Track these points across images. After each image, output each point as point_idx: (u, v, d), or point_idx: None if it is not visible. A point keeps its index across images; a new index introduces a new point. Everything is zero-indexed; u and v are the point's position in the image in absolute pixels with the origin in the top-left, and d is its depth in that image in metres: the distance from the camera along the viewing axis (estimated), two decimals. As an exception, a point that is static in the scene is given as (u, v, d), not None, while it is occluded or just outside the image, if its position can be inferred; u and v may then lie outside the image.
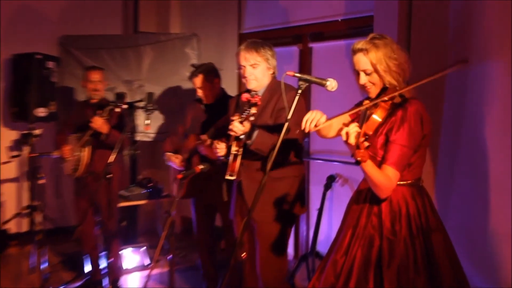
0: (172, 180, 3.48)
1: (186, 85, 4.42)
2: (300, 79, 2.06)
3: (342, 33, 3.80)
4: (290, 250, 4.12)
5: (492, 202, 2.50)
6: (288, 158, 2.66)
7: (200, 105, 3.39)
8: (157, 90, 4.48)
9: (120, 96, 3.70)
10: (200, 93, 3.34)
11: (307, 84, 2.05)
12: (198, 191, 3.40)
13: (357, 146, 1.74)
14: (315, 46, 4.04)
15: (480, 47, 2.63)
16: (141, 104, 3.96)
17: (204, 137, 3.16)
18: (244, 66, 2.71)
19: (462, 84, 2.79)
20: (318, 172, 3.99)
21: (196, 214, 3.47)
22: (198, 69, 3.40)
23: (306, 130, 2.00)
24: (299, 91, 2.04)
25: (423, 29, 2.97)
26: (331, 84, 2.06)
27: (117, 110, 3.37)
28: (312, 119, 2.00)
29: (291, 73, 2.04)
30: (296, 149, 2.71)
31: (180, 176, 2.69)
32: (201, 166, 2.76)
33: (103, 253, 3.58)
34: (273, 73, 2.78)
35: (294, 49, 4.15)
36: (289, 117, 2.04)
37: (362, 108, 1.99)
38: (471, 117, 2.72)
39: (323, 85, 2.05)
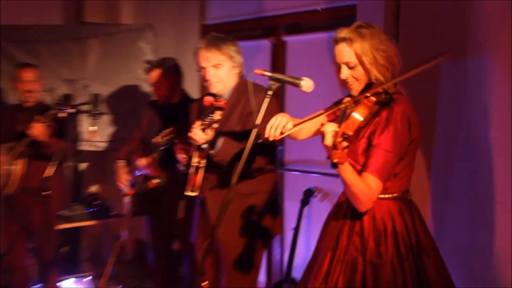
0: (122, 197, 3.43)
1: (140, 85, 4.37)
2: (270, 78, 2.07)
3: (321, 25, 3.80)
4: (262, 277, 4.09)
5: (495, 219, 2.52)
6: (259, 170, 2.67)
7: (157, 107, 3.37)
8: (105, 91, 4.42)
9: (64, 98, 3.64)
10: (155, 91, 3.32)
11: (279, 84, 2.06)
12: (153, 208, 3.38)
13: (334, 146, 1.76)
14: (290, 39, 4.05)
15: (478, 40, 2.66)
16: (86, 107, 3.90)
17: (146, 160, 3.16)
18: (205, 68, 2.71)
19: (457, 82, 2.82)
20: (294, 186, 3.99)
21: (151, 236, 3.44)
22: (157, 62, 3.39)
23: (271, 138, 2.02)
24: (269, 93, 2.04)
25: (413, 20, 3.01)
26: (307, 84, 2.07)
27: (62, 115, 3.31)
28: (277, 126, 2.03)
29: (259, 71, 2.04)
30: (269, 159, 2.71)
31: (131, 192, 2.66)
32: (156, 180, 2.73)
33: (38, 286, 3.49)
34: (240, 72, 2.78)
35: (266, 43, 4.16)
36: (257, 122, 2.04)
37: (341, 106, 2.01)
38: (469, 120, 2.75)
39: (297, 85, 2.07)
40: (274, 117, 2.05)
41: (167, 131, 2.96)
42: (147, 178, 3.18)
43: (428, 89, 2.96)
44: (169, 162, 3.09)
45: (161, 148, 3.07)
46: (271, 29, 4.11)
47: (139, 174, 3.26)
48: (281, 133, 2.01)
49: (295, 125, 2.03)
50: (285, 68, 4.07)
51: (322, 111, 2.11)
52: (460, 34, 2.78)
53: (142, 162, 3.22)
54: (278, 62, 4.08)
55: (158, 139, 3.00)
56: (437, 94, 2.96)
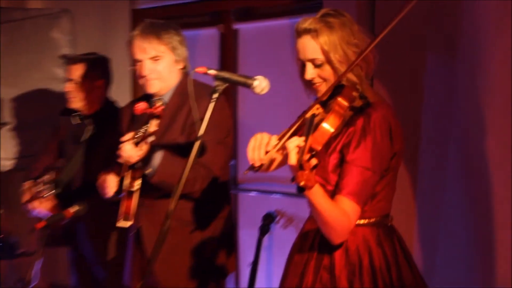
0: (31, 231, 3.38)
1: (55, 85, 4.31)
2: (215, 78, 2.07)
3: (281, 10, 3.83)
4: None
5: (498, 251, 2.55)
6: (207, 192, 2.68)
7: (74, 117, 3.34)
8: (9, 94, 4.34)
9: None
10: (69, 88, 3.29)
11: (227, 84, 2.07)
12: (72, 245, 3.35)
13: (300, 166, 1.77)
14: (243, 27, 4.07)
15: (473, 28, 2.72)
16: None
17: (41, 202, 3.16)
18: (141, 61, 2.71)
19: (447, 77, 2.89)
20: (250, 210, 4.01)
21: (74, 277, 3.41)
22: (76, 57, 3.39)
23: (257, 164, 2.00)
24: (214, 96, 2.05)
25: (392, 5, 3.07)
26: (261, 84, 2.08)
27: None
28: (259, 145, 1.99)
29: (202, 69, 2.04)
30: (219, 178, 2.73)
31: (41, 224, 2.62)
32: (74, 208, 2.71)
33: None
34: (184, 67, 2.79)
35: (213, 32, 4.18)
36: (201, 133, 2.04)
37: (307, 114, 2.02)
38: (463, 125, 2.81)
39: (248, 86, 2.08)
40: (253, 138, 2.03)
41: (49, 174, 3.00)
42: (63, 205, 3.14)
43: (411, 91, 3.03)
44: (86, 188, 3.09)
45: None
46: (219, 15, 4.11)
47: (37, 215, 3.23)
48: (266, 152, 1.99)
49: (280, 138, 2.01)
50: (237, 64, 4.09)
51: (294, 126, 2.08)
52: (449, 30, 2.86)
53: (37, 203, 3.21)
54: (227, 56, 4.09)
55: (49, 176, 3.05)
56: (422, 97, 3.02)
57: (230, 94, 3.98)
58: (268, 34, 3.96)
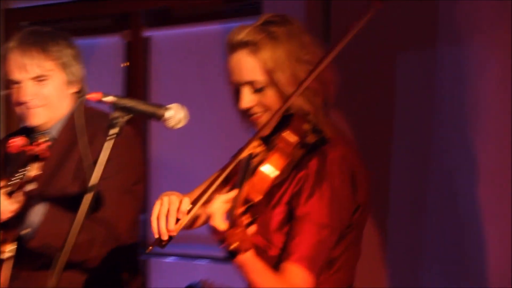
0: None
1: None
2: (115, 106, 2.06)
3: (207, 12, 3.91)
4: None
5: None
6: (108, 259, 2.66)
7: None
8: None
9: None
10: None
11: (130, 116, 2.06)
12: None
13: (232, 223, 1.77)
14: (156, 34, 4.14)
15: (458, 25, 2.89)
16: None
17: None
18: (19, 82, 2.69)
19: (426, 85, 3.04)
20: (167, 280, 4.01)
21: None
22: None
23: (165, 237, 1.97)
24: (113, 132, 2.03)
25: (351, 7, 3.14)
26: (175, 115, 2.05)
27: None
28: (168, 213, 1.98)
29: (95, 95, 2.02)
30: (125, 240, 2.71)
31: None
32: None
33: None
34: (79, 91, 2.78)
35: (116, 41, 4.23)
36: (93, 182, 2.03)
37: (242, 154, 2.03)
38: (445, 149, 2.97)
39: (159, 118, 2.05)
40: (157, 203, 2.03)
41: None
42: None
43: (380, 116, 3.15)
44: None
45: None
46: (124, 18, 4.16)
47: None
48: (177, 220, 1.97)
49: (194, 202, 2.00)
50: (147, 84, 4.14)
51: (218, 173, 2.07)
52: (432, 16, 3.03)
53: None
54: (134, 74, 4.13)
55: None
56: (393, 108, 3.14)
57: (139, 124, 3.98)
58: (189, 44, 4.02)
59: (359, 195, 2.07)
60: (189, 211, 1.98)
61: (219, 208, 1.84)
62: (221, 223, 1.83)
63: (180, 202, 1.99)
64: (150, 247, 2.02)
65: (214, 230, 1.85)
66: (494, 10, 2.85)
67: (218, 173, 2.06)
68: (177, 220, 1.97)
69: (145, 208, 3.92)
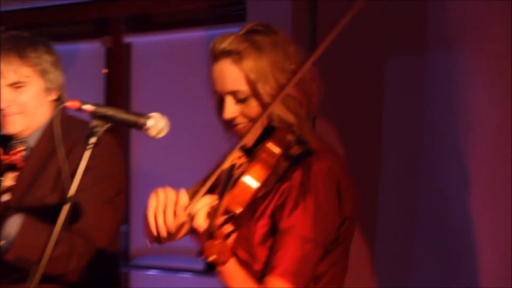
0: None
1: None
2: (94, 115, 2.07)
3: (190, 18, 3.95)
4: None
5: None
6: (88, 272, 2.66)
7: None
8: None
9: None
10: None
11: (109, 125, 2.06)
12: None
13: (210, 234, 1.80)
14: (137, 41, 4.17)
15: (449, 31, 2.94)
16: None
17: None
18: None
19: (417, 94, 3.08)
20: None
21: None
22: None
23: (163, 234, 1.99)
24: (92, 141, 2.03)
25: (338, 9, 3.18)
26: (157, 124, 2.04)
27: None
28: (165, 209, 1.98)
29: (73, 104, 2.04)
30: (105, 252, 2.72)
31: None
32: None
33: None
34: (58, 98, 2.79)
35: (96, 48, 4.26)
36: (71, 193, 2.04)
37: (225, 165, 2.04)
38: (435, 164, 3.01)
39: (140, 127, 2.03)
40: (152, 197, 2.03)
41: None
42: None
43: (368, 126, 3.19)
44: None
45: None
46: (104, 23, 4.18)
47: None
48: (176, 219, 1.97)
49: (192, 195, 2.01)
50: (128, 92, 4.17)
51: (200, 184, 2.10)
52: (421, 23, 3.08)
53: None
54: (115, 81, 4.17)
55: None
56: (381, 118, 3.19)
57: (120, 133, 4.00)
58: (171, 51, 4.05)
59: (345, 208, 2.07)
60: (187, 207, 1.97)
61: (201, 208, 1.87)
62: (202, 224, 1.84)
63: (177, 195, 2.00)
64: (149, 244, 2.03)
65: (195, 232, 1.86)
66: (484, 16, 2.91)
67: (201, 184, 2.09)
68: (176, 220, 1.98)
69: (126, 219, 3.95)
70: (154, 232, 2.00)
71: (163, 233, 1.99)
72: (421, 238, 3.11)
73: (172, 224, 1.98)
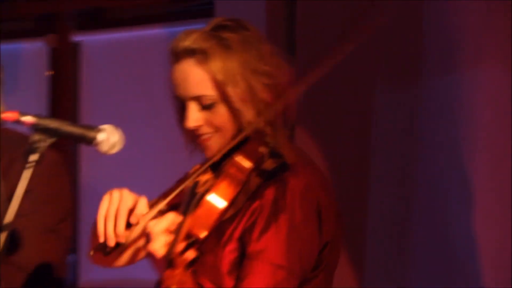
0: None
1: None
2: (35, 128, 2.04)
3: (148, 14, 3.97)
4: None
5: None
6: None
7: None
8: None
9: None
10: None
11: (54, 139, 2.04)
12: None
13: (169, 262, 1.79)
14: (88, 40, 4.19)
15: (443, 56, 2.98)
16: None
17: None
18: None
19: (407, 115, 3.11)
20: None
21: None
22: None
23: (111, 244, 1.95)
24: (33, 158, 2.01)
25: (320, 10, 3.21)
26: (109, 137, 2.01)
27: None
28: (118, 211, 1.95)
29: (12, 116, 1.99)
30: (49, 285, 2.72)
31: None
32: None
33: None
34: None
35: (39, 47, 4.26)
36: (9, 218, 2.00)
37: (187, 181, 2.04)
38: (433, 182, 3.04)
39: (89, 142, 2.03)
40: (105, 199, 2.01)
41: None
42: None
43: (357, 143, 3.19)
44: None
45: None
46: (50, 20, 4.19)
47: None
48: (129, 225, 1.94)
49: (157, 202, 1.98)
50: (77, 97, 4.18)
51: (157, 199, 2.05)
52: (413, 38, 3.10)
53: None
54: (61, 86, 4.17)
55: None
56: (370, 140, 3.20)
57: (67, 149, 3.97)
58: (127, 51, 4.06)
59: (326, 231, 2.05)
60: (146, 215, 1.96)
61: (160, 231, 1.85)
62: (160, 249, 1.83)
63: (135, 202, 1.98)
64: (92, 252, 2.00)
65: (152, 257, 1.85)
66: (479, 42, 3.01)
67: (158, 200, 2.06)
68: (128, 225, 1.95)
69: (74, 248, 3.92)
70: (101, 240, 1.97)
71: (111, 242, 1.96)
72: (416, 253, 3.18)
73: (123, 233, 1.95)
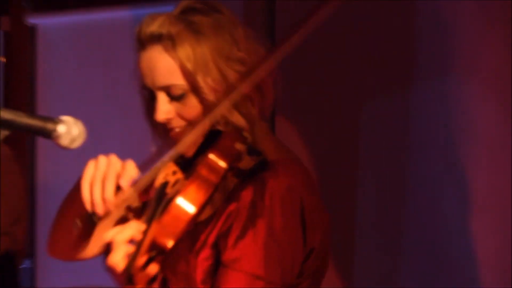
0: None
1: None
2: None
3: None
4: None
5: None
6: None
7: None
8: None
9: None
10: None
11: (8, 133, 2.03)
12: None
13: (129, 278, 1.76)
14: (44, 22, 4.18)
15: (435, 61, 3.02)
16: None
17: None
18: None
19: (396, 119, 3.13)
20: None
21: None
22: None
23: (100, 211, 1.94)
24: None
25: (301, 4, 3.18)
26: (69, 130, 2.03)
27: None
28: (105, 176, 1.94)
29: None
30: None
31: None
32: None
33: None
34: None
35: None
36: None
37: (156, 182, 2.01)
38: (422, 166, 3.08)
39: (48, 135, 2.03)
40: (90, 163, 1.99)
41: None
42: None
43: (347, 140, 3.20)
44: None
45: None
46: (2, 0, 4.16)
47: None
48: (118, 187, 1.94)
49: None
50: (34, 86, 4.17)
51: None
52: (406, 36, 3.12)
53: None
54: (15, 73, 4.18)
55: None
56: (358, 143, 3.22)
57: (22, 143, 4.01)
58: (89, 36, 4.04)
59: (310, 237, 2.04)
60: (135, 183, 1.96)
61: (120, 241, 1.84)
62: (120, 263, 1.82)
63: (123, 166, 1.97)
64: (78, 222, 1.98)
65: (110, 270, 1.84)
66: (473, 45, 3.09)
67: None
68: (118, 187, 1.95)
69: (30, 253, 3.90)
70: (88, 207, 1.96)
71: (99, 209, 1.95)
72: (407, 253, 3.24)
73: (112, 198, 1.95)
